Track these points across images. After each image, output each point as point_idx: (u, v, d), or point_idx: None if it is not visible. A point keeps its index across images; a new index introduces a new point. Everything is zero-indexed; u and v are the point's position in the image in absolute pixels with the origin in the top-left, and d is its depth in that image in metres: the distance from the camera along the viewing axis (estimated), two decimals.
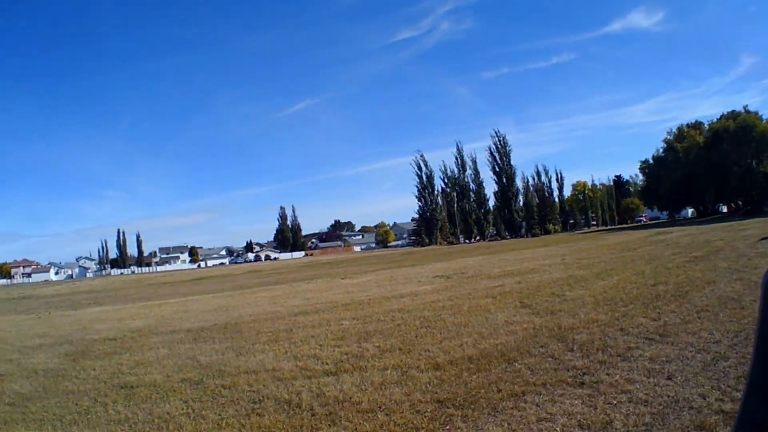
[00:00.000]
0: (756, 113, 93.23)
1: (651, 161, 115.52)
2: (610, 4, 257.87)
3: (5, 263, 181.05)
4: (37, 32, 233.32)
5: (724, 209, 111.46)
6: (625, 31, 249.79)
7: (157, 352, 13.54)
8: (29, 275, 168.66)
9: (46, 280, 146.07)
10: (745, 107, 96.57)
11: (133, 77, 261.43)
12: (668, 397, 6.95)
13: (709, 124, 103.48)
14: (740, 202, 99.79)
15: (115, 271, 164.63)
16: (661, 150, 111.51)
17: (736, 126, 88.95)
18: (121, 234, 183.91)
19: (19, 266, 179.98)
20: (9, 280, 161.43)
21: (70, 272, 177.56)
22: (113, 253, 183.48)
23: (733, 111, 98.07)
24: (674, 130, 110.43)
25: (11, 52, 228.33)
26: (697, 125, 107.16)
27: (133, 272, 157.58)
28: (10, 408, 9.39)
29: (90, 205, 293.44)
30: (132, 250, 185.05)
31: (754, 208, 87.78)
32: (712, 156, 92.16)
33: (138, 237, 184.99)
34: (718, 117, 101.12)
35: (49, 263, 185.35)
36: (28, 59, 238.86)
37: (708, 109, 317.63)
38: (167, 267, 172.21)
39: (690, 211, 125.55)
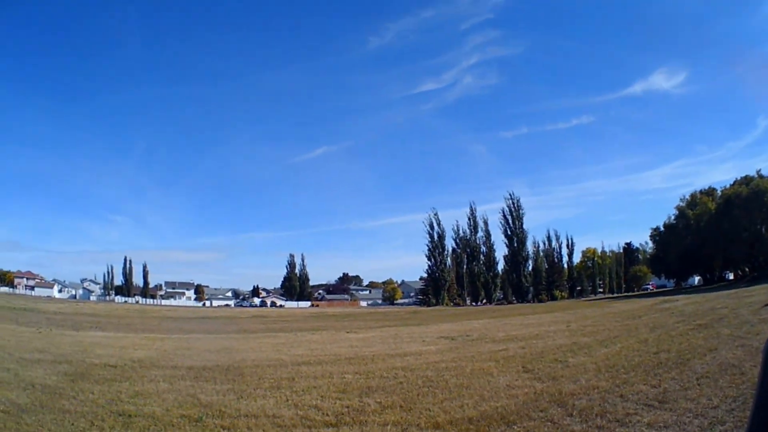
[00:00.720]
0: None
1: (662, 229, 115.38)
2: (634, 64, 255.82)
3: (9, 272, 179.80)
4: (64, 46, 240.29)
5: (731, 276, 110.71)
6: (645, 93, 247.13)
7: (157, 385, 13.65)
8: (32, 288, 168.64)
9: (48, 296, 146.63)
10: (758, 171, 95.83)
11: (153, 102, 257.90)
12: None
13: (722, 190, 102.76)
14: (747, 269, 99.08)
15: (119, 299, 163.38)
16: (672, 217, 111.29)
17: (748, 191, 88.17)
18: (128, 262, 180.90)
19: (23, 277, 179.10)
20: (12, 289, 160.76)
21: (74, 292, 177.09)
22: (118, 280, 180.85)
23: (746, 176, 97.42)
24: (687, 196, 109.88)
25: (36, 61, 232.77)
26: (710, 191, 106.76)
27: (137, 302, 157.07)
28: (5, 416, 9.59)
29: (97, 228, 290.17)
30: (137, 280, 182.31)
31: (761, 275, 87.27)
32: (722, 223, 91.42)
33: (144, 267, 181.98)
34: (732, 182, 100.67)
35: (53, 280, 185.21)
36: (52, 70, 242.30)
37: (722, 175, 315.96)
38: (172, 301, 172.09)
39: (697, 279, 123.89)
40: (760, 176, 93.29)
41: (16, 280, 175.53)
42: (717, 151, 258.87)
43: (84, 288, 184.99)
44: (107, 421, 9.69)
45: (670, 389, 11.40)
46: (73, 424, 9.28)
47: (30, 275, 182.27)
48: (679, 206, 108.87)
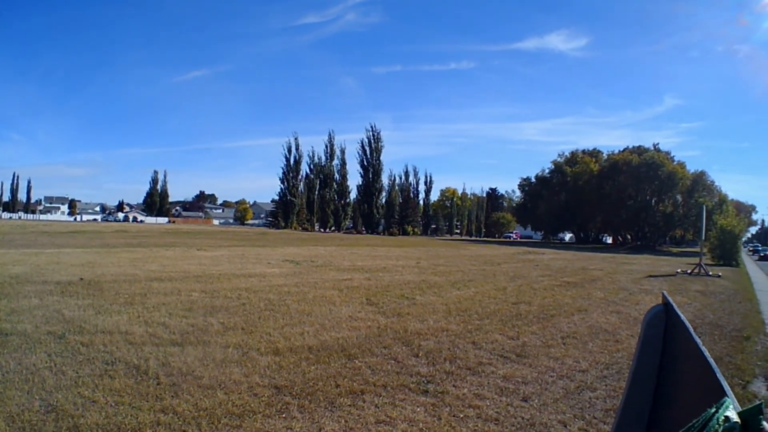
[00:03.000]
0: (667, 153, 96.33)
1: (533, 180, 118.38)
2: (529, 21, 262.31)
3: None
4: None
5: (609, 240, 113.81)
6: (537, 50, 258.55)
7: (29, 302, 13.50)
8: None
9: None
10: (655, 145, 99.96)
11: (57, 25, 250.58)
12: (522, 419, 7.05)
13: (608, 155, 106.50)
14: (629, 236, 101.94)
15: (5, 215, 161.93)
16: (547, 171, 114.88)
17: (640, 161, 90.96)
18: (15, 178, 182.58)
19: None
20: None
21: None
22: (6, 196, 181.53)
23: (639, 146, 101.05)
24: (567, 153, 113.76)
25: None
26: (594, 153, 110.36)
27: (20, 217, 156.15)
28: None
29: None
30: (22, 196, 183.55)
31: (645, 245, 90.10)
32: (604, 185, 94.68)
33: (29, 183, 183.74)
34: (621, 150, 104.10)
35: None
36: None
37: (611, 140, 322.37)
38: (49, 216, 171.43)
39: (568, 236, 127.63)
40: (657, 150, 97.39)
41: None
42: (608, 117, 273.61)
43: None
44: None
45: (529, 344, 11.50)
46: None
47: None
48: (557, 161, 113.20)
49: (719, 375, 1.44)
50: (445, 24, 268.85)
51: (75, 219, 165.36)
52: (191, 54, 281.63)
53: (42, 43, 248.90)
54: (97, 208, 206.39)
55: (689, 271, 31.57)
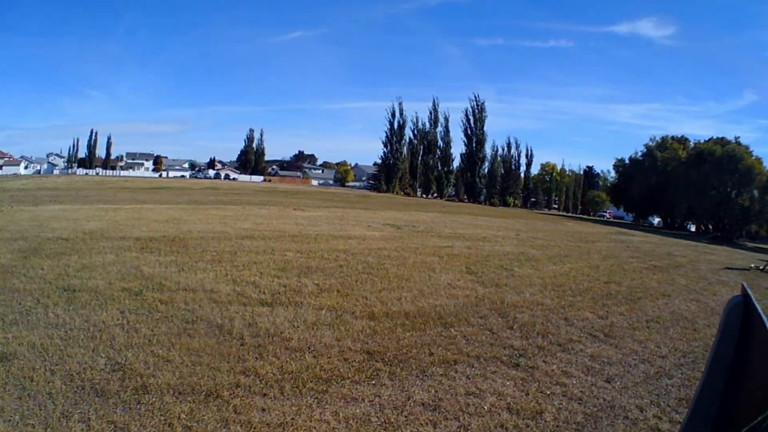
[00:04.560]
0: (746, 147, 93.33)
1: (627, 162, 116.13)
2: (621, 6, 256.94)
3: None
4: None
5: (692, 228, 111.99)
6: (630, 34, 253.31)
7: (104, 257, 13.30)
8: (0, 167, 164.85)
9: (15, 174, 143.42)
10: (736, 138, 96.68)
11: None
12: (604, 400, 6.91)
13: (695, 143, 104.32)
14: (710, 226, 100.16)
15: (80, 171, 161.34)
16: (640, 153, 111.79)
17: (723, 152, 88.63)
18: (93, 134, 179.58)
19: None
20: None
21: (39, 167, 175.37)
22: (83, 153, 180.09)
23: (722, 138, 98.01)
24: (658, 138, 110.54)
25: None
26: (682, 140, 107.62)
27: (97, 173, 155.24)
28: None
29: (70, 103, 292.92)
30: (101, 152, 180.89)
31: (724, 236, 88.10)
32: (691, 173, 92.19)
33: (109, 139, 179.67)
34: (706, 139, 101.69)
35: (20, 157, 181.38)
36: None
37: (696, 129, 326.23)
38: (130, 172, 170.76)
39: (657, 220, 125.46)
40: (738, 143, 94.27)
41: None
42: (695, 107, 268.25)
43: (49, 162, 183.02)
44: (52, 297, 9.39)
45: (617, 324, 11.33)
46: (20, 303, 8.94)
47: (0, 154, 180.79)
48: (648, 145, 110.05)
49: None
50: (544, 1, 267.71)
51: (160, 175, 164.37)
52: (290, 15, 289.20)
53: (127, 3, 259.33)
54: (186, 165, 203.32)
55: (761, 267, 30.50)
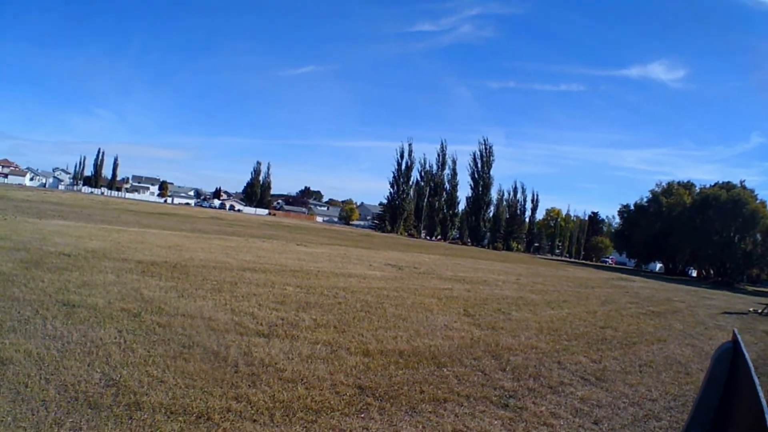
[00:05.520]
0: (752, 191, 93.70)
1: (632, 207, 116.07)
2: (633, 48, 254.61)
3: None
4: None
5: (694, 273, 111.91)
6: (641, 78, 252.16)
7: (105, 277, 13.50)
8: (6, 176, 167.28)
9: (20, 184, 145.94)
10: (741, 182, 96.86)
11: (152, 5, 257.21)
12: None
13: (700, 188, 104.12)
14: (712, 271, 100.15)
15: (85, 189, 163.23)
16: (645, 199, 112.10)
17: (727, 197, 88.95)
18: (100, 153, 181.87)
19: None
20: None
21: (44, 181, 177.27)
22: (89, 171, 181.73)
23: (728, 182, 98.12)
24: (664, 183, 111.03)
25: None
26: (687, 185, 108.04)
27: (102, 193, 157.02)
28: None
29: (79, 120, 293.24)
30: (107, 172, 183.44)
31: (725, 281, 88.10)
32: (695, 219, 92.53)
33: (115, 160, 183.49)
34: (712, 184, 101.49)
35: (26, 168, 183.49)
36: None
37: (703, 174, 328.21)
38: (136, 195, 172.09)
39: (658, 266, 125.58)
40: (743, 187, 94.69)
41: None
42: (702, 151, 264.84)
43: (54, 177, 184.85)
44: (51, 310, 9.58)
45: (610, 368, 11.39)
46: (19, 312, 9.16)
47: (6, 163, 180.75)
48: (654, 191, 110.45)
49: None
50: (556, 44, 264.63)
51: (165, 201, 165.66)
52: (301, 49, 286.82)
53: (139, 23, 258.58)
54: (191, 193, 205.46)
55: (759, 311, 30.86)
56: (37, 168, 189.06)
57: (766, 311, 30.25)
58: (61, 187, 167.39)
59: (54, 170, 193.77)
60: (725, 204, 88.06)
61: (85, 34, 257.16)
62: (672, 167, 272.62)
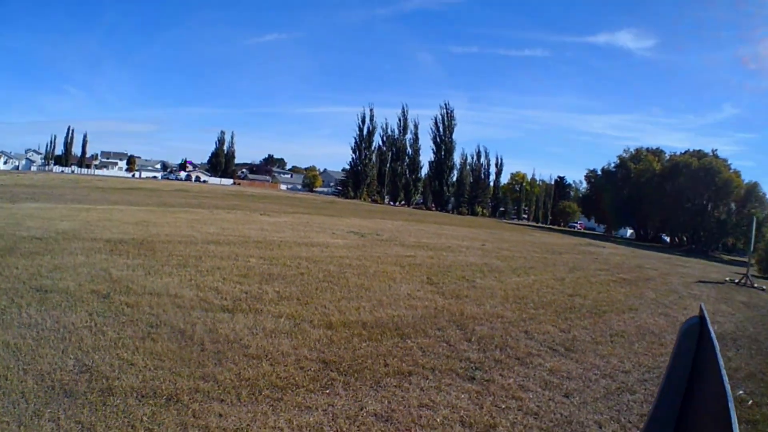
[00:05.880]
0: (725, 160, 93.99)
1: (599, 172, 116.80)
2: (600, 17, 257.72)
3: None
4: None
5: (667, 239, 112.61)
6: (608, 45, 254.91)
7: (75, 259, 13.37)
8: None
9: None
10: (714, 151, 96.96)
11: None
12: (561, 415, 7.03)
13: (670, 155, 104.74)
14: (685, 238, 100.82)
15: (57, 168, 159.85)
16: (612, 165, 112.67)
17: (699, 165, 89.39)
18: (70, 132, 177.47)
19: None
20: None
21: (17, 163, 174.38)
22: (59, 150, 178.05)
23: (699, 150, 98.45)
24: (632, 149, 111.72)
25: None
26: (657, 152, 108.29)
27: (72, 171, 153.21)
28: None
29: (49, 99, 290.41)
30: (77, 150, 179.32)
31: (699, 248, 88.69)
32: (665, 186, 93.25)
33: (84, 137, 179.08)
34: (683, 152, 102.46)
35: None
36: None
37: (672, 142, 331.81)
38: (105, 171, 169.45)
39: (629, 231, 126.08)
40: (715, 156, 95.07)
41: None
42: (672, 119, 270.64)
43: (27, 158, 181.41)
44: (25, 297, 9.49)
45: (579, 338, 11.42)
46: None
47: None
48: (622, 156, 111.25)
49: (731, 403, 1.48)
50: (521, 10, 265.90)
51: (133, 176, 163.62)
52: (265, 17, 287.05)
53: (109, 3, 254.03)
54: (158, 166, 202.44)
55: (736, 281, 30.89)
56: (10, 151, 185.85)
57: (743, 281, 30.44)
58: (34, 168, 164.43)
59: (26, 152, 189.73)
60: (697, 172, 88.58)
61: (52, 11, 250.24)
62: (640, 133, 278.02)
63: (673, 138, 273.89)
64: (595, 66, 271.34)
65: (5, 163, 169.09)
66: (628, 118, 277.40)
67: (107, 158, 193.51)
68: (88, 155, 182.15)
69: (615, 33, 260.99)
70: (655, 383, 8.89)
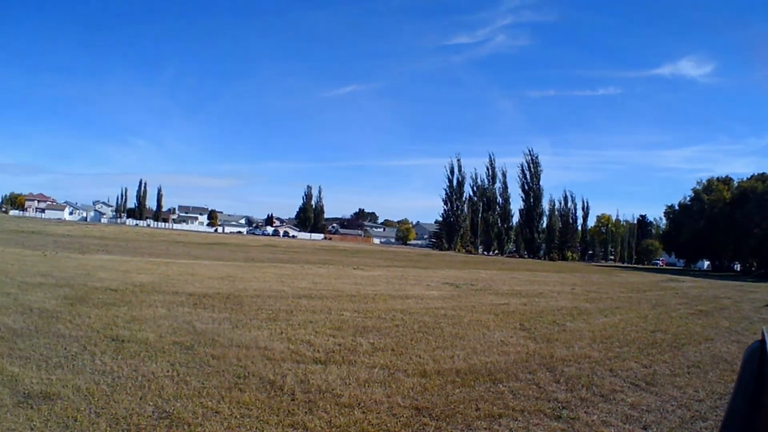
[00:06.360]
0: None
1: (676, 207, 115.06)
2: (662, 47, 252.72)
3: (20, 195, 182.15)
4: None
5: (739, 267, 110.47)
6: (673, 76, 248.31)
7: (155, 311, 13.50)
8: (43, 210, 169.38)
9: (59, 219, 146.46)
10: None
11: (184, 31, 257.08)
12: None
13: (738, 182, 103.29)
14: (755, 264, 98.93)
15: (130, 221, 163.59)
16: (688, 198, 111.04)
17: (763, 188, 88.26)
18: (143, 184, 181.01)
19: (34, 200, 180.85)
20: (21, 212, 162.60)
21: (84, 215, 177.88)
22: (131, 203, 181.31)
23: (763, 173, 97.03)
24: (704, 181, 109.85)
25: None
26: (726, 181, 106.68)
27: (148, 225, 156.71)
28: None
29: (116, 151, 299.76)
30: (151, 203, 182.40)
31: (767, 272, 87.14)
32: (735, 213, 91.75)
33: (159, 190, 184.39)
34: (748, 177, 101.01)
35: (65, 202, 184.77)
36: None
37: (741, 167, 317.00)
38: (184, 226, 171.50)
39: (706, 263, 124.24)
40: None
41: (27, 203, 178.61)
42: (737, 144, 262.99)
43: (96, 210, 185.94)
44: (99, 345, 9.60)
45: (659, 372, 11.13)
46: (65, 348, 9.20)
47: (42, 197, 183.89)
48: (696, 189, 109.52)
49: None
50: (589, 49, 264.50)
51: (216, 230, 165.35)
52: (341, 69, 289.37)
53: (170, 49, 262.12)
54: (242, 221, 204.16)
55: None
56: (76, 202, 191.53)
57: None
58: (104, 220, 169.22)
59: (94, 203, 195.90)
60: (763, 195, 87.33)
61: (117, 63, 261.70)
62: (712, 163, 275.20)
63: (741, 163, 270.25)
64: (664, 99, 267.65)
65: (71, 213, 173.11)
66: (699, 148, 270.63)
67: (186, 213, 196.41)
68: (164, 209, 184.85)
69: (677, 62, 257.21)
70: (724, 409, 8.44)
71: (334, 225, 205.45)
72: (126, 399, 6.99)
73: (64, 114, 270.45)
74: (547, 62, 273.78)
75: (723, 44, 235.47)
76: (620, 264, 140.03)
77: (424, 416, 7.42)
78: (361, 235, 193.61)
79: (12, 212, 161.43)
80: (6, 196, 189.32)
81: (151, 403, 6.90)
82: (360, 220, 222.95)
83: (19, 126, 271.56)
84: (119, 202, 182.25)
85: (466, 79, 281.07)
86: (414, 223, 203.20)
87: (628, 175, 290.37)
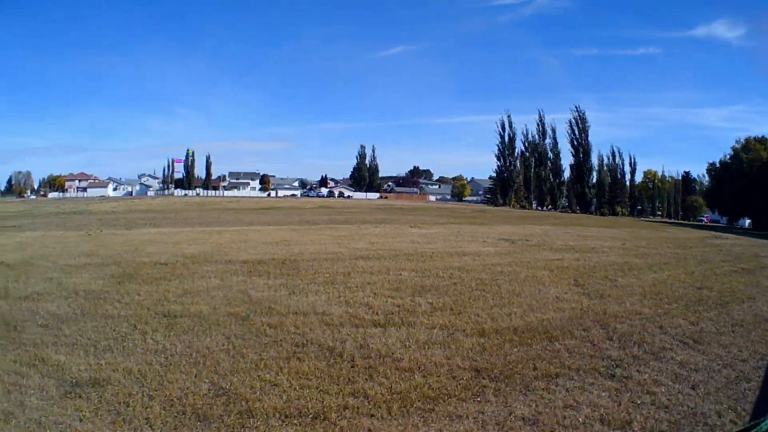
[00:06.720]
0: None
1: (718, 165, 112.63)
2: (695, 9, 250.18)
3: (60, 176, 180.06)
4: None
5: None
6: (708, 38, 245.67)
7: (208, 282, 13.39)
8: (85, 189, 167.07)
9: (102, 196, 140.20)
10: None
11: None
12: (688, 407, 6.81)
13: None
14: None
15: (178, 192, 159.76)
16: (728, 157, 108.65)
17: None
18: (190, 154, 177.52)
19: (74, 180, 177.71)
20: (61, 194, 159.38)
21: (130, 189, 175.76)
22: (179, 173, 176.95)
23: None
24: (742, 140, 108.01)
25: None
26: (762, 140, 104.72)
27: (197, 194, 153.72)
28: (43, 330, 9.15)
29: (159, 122, 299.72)
30: (200, 172, 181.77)
31: None
32: None
33: (208, 158, 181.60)
34: None
35: (108, 178, 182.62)
36: None
37: None
38: (235, 192, 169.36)
39: (747, 221, 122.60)
40: None
41: (67, 184, 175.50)
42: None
43: (141, 183, 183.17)
44: (150, 323, 9.54)
45: (706, 330, 10.98)
46: (114, 330, 9.10)
47: (83, 176, 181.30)
48: (735, 148, 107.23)
49: None
50: (626, 9, 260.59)
51: (269, 195, 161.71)
52: (387, 32, 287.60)
53: (208, 17, 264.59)
54: (296, 184, 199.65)
55: None
56: (120, 177, 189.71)
57: None
58: (150, 193, 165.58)
59: (140, 177, 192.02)
60: None
61: (154, 34, 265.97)
62: (749, 123, 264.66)
63: None
64: (701, 59, 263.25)
65: (115, 189, 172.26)
66: (736, 108, 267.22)
67: (237, 179, 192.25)
68: (213, 177, 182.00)
69: (711, 25, 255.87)
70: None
71: (390, 184, 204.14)
72: (180, 378, 6.98)
73: (101, 90, 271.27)
74: (588, 22, 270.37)
75: (753, 7, 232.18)
76: (667, 220, 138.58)
77: (483, 378, 7.44)
78: (416, 192, 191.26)
79: (51, 194, 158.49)
80: (43, 179, 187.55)
81: (206, 381, 6.89)
82: (415, 177, 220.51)
83: (56, 107, 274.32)
84: (166, 173, 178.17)
85: (512, 38, 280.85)
86: (468, 179, 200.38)
87: (671, 132, 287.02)
